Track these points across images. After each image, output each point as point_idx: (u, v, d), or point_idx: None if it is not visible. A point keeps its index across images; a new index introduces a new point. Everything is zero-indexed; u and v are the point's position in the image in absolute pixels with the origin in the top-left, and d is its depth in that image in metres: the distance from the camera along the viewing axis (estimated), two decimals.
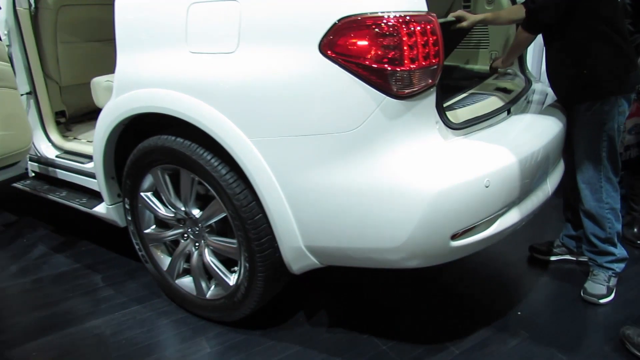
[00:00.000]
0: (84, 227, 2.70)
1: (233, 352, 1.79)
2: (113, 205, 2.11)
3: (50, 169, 2.49)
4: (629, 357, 1.70)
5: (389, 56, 1.33)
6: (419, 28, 1.33)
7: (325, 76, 1.38)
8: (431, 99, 1.43)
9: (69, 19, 2.59)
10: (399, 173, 1.39)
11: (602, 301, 1.97)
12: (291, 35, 1.42)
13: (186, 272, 1.99)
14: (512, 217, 1.59)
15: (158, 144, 1.78)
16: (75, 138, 2.61)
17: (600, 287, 1.99)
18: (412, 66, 1.34)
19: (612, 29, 1.75)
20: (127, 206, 2.00)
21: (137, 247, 2.06)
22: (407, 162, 1.39)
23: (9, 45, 2.37)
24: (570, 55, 1.82)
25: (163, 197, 1.91)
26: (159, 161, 1.82)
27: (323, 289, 2.16)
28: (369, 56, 1.34)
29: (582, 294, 2.01)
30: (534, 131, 1.79)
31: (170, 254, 2.02)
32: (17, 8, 2.35)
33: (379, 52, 1.33)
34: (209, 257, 1.85)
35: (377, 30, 1.32)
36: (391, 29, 1.31)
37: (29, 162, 2.57)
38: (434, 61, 1.36)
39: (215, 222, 1.80)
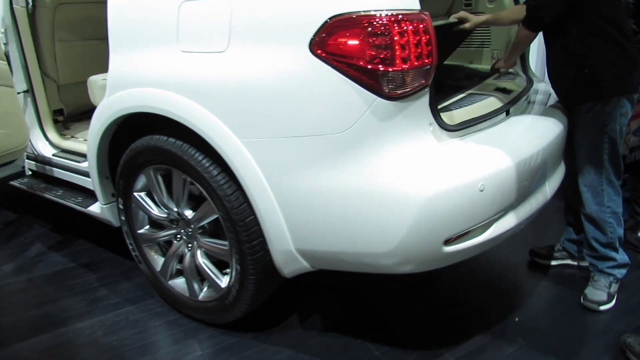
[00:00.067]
0: (81, 226, 2.70)
1: (224, 354, 1.77)
2: (107, 205, 2.09)
3: (47, 167, 2.48)
4: None
5: (381, 56, 1.29)
6: (411, 27, 1.29)
7: (316, 76, 1.35)
8: (424, 100, 1.39)
9: (67, 17, 2.57)
10: (390, 176, 1.35)
11: (602, 308, 1.92)
12: (281, 34, 1.39)
13: (179, 273, 1.97)
14: (508, 222, 1.55)
15: (150, 144, 1.76)
16: (72, 136, 2.60)
17: (600, 294, 1.94)
18: (404, 66, 1.30)
19: (614, 28, 1.71)
20: (120, 206, 1.99)
21: (130, 247, 2.05)
22: (398, 165, 1.36)
23: (6, 44, 2.36)
24: (571, 54, 1.77)
25: (156, 198, 1.89)
26: (151, 161, 1.80)
27: (316, 291, 2.13)
28: (359, 56, 1.30)
29: (582, 300, 1.97)
30: (533, 133, 1.75)
31: (163, 254, 2.01)
32: (14, 6, 2.34)
33: (370, 52, 1.29)
34: (201, 259, 1.83)
35: (368, 29, 1.29)
36: (382, 27, 1.28)
37: (26, 161, 2.57)
38: (426, 61, 1.33)
39: (207, 223, 1.78)
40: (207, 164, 1.62)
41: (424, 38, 1.31)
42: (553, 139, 1.76)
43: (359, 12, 1.31)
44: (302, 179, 1.44)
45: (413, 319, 1.95)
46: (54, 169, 2.44)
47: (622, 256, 1.98)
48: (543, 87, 2.21)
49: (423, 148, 1.40)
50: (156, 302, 2.07)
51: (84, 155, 2.31)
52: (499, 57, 2.31)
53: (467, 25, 2.00)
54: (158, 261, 2.01)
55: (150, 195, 1.92)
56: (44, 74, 2.54)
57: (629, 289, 2.04)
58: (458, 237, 1.42)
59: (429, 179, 1.35)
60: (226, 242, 1.69)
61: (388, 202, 1.35)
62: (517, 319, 1.90)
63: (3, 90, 2.15)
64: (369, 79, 1.31)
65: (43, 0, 2.45)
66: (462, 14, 2.01)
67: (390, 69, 1.30)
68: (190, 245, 1.87)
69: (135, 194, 1.92)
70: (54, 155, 2.46)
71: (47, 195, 2.42)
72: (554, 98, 2.06)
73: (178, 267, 1.96)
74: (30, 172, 2.58)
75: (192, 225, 1.82)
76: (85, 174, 2.22)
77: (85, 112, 2.84)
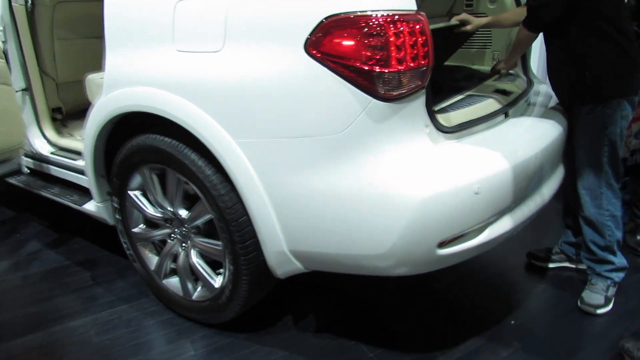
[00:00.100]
0: (78, 223, 2.69)
1: (217, 355, 1.76)
2: (102, 203, 2.09)
3: (44, 165, 2.48)
4: None
5: (376, 57, 1.28)
6: (407, 28, 1.28)
7: (311, 77, 1.34)
8: (420, 102, 1.38)
9: (66, 15, 2.56)
10: (385, 178, 1.34)
11: (599, 311, 1.91)
12: (277, 34, 1.38)
13: (174, 272, 1.97)
14: (504, 225, 1.53)
15: (145, 143, 1.75)
16: (70, 135, 2.60)
17: (598, 297, 1.92)
18: (399, 67, 1.29)
19: (615, 29, 1.69)
20: (115, 205, 1.98)
21: (125, 246, 2.04)
22: (393, 167, 1.35)
23: (4, 42, 2.35)
24: (571, 55, 1.75)
25: (150, 197, 1.88)
26: (146, 160, 1.79)
27: (311, 292, 2.12)
28: (355, 57, 1.29)
29: (579, 303, 1.95)
30: (532, 135, 1.73)
31: (158, 253, 2.00)
32: (13, 4, 2.33)
33: (366, 53, 1.28)
34: (195, 258, 1.82)
35: (364, 29, 1.28)
36: (378, 28, 1.26)
37: (24, 158, 2.57)
38: (422, 62, 1.31)
39: (202, 223, 1.77)
40: (202, 164, 1.61)
41: (420, 39, 1.30)
42: (552, 141, 1.74)
43: (355, 12, 1.30)
44: (296, 180, 1.43)
45: (408, 321, 1.93)
46: (51, 167, 2.44)
47: (620, 259, 1.96)
48: (544, 89, 2.19)
49: (418, 150, 1.38)
50: (150, 301, 2.06)
51: (81, 154, 2.31)
52: (500, 58, 2.30)
53: (468, 27, 2.00)
54: (152, 260, 2.00)
55: (145, 194, 1.91)
56: (42, 72, 2.53)
57: (627, 292, 2.02)
58: (452, 240, 1.41)
59: (423, 181, 1.34)
60: (220, 242, 1.68)
61: (382, 204, 1.33)
62: (513, 322, 1.89)
63: (1, 89, 2.14)
64: (364, 80, 1.30)
65: None
66: (464, 16, 2.01)
67: (386, 70, 1.29)
68: (184, 244, 1.86)
69: (130, 192, 1.91)
70: (51, 153, 2.45)
71: (43, 193, 2.41)
72: (554, 100, 2.05)
73: (172, 266, 1.95)
74: (27, 170, 2.58)
75: (187, 225, 1.81)
76: (82, 172, 2.22)
77: (83, 111, 2.80)
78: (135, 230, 1.99)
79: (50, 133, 2.53)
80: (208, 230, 1.79)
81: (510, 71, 2.19)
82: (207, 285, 1.81)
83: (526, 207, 1.64)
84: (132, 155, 1.82)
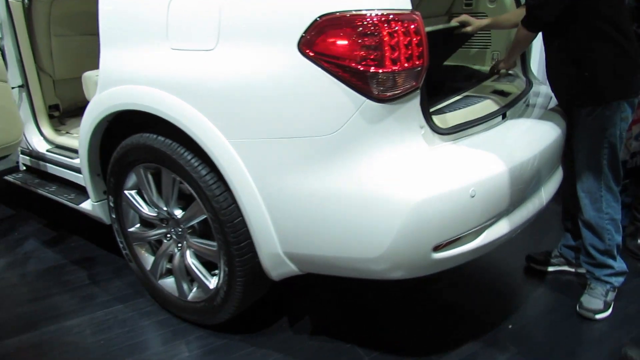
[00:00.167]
0: (76, 222, 2.68)
1: (212, 356, 1.75)
2: (98, 203, 2.08)
3: (41, 163, 2.47)
4: None
5: (370, 57, 1.26)
6: (401, 28, 1.26)
7: (303, 77, 1.32)
8: (415, 103, 1.35)
9: (63, 11, 2.55)
10: (378, 181, 1.32)
11: (598, 316, 1.88)
12: (270, 33, 1.36)
13: (169, 272, 1.95)
14: (501, 228, 1.51)
15: (140, 142, 1.74)
16: (67, 132, 2.59)
17: (597, 302, 1.90)
18: (393, 68, 1.27)
19: (614, 29, 1.66)
20: (111, 204, 1.97)
21: (121, 245, 2.03)
22: (387, 169, 1.33)
23: (1, 38, 2.35)
24: (571, 55, 1.73)
25: (146, 196, 1.87)
26: (141, 159, 1.78)
27: (308, 293, 2.10)
28: (348, 56, 1.27)
29: (577, 308, 1.92)
30: (530, 137, 1.71)
31: (154, 253, 1.99)
32: (10, 0, 2.33)
33: (359, 53, 1.26)
34: (190, 259, 1.81)
35: (358, 29, 1.26)
36: (372, 27, 1.25)
37: (21, 156, 2.56)
38: (417, 63, 1.29)
39: (197, 223, 1.75)
40: (196, 164, 1.59)
41: (414, 39, 1.28)
42: (550, 143, 1.71)
43: (350, 11, 1.28)
44: (289, 181, 1.41)
45: (404, 323, 1.92)
46: (48, 164, 2.43)
47: (619, 264, 1.94)
48: (544, 90, 2.16)
49: (413, 152, 1.36)
50: (146, 301, 2.05)
51: (77, 152, 2.30)
52: (499, 58, 2.27)
53: (469, 29, 1.99)
54: (148, 260, 1.99)
55: (140, 193, 1.90)
56: (39, 68, 2.53)
57: (626, 297, 1.99)
58: (448, 244, 1.39)
59: (417, 184, 1.32)
60: (214, 243, 1.67)
61: (376, 207, 1.32)
62: (510, 326, 1.87)
63: None
64: (358, 80, 1.28)
65: None
66: (464, 17, 1.99)
67: (380, 71, 1.27)
68: (180, 245, 1.84)
69: (125, 192, 1.90)
70: (48, 150, 2.45)
71: (40, 191, 2.41)
72: (554, 101, 2.02)
73: (168, 266, 1.94)
74: (24, 168, 2.57)
75: (182, 225, 1.80)
76: (78, 171, 2.21)
77: (81, 108, 2.79)
78: (131, 229, 1.98)
79: (47, 130, 2.53)
80: (203, 231, 1.78)
81: (510, 71, 2.17)
82: (202, 286, 1.80)
83: (524, 210, 1.62)
84: (127, 154, 1.80)
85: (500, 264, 2.28)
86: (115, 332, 1.88)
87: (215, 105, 1.47)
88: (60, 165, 2.36)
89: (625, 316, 1.91)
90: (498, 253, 2.10)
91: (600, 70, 1.70)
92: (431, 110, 1.50)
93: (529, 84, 2.10)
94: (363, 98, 1.29)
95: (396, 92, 1.29)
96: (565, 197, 2.07)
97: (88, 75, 2.00)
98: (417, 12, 1.29)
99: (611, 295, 1.92)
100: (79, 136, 1.95)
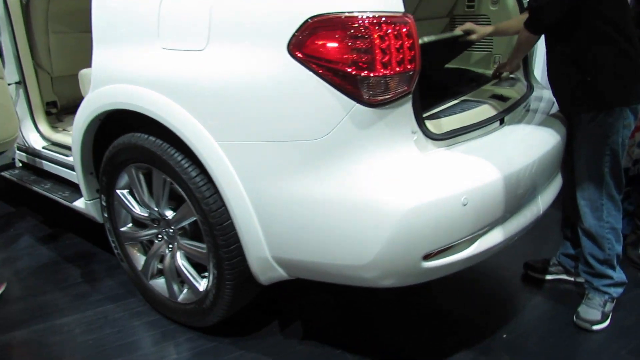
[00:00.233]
0: (72, 219, 2.67)
1: (201, 359, 1.73)
2: (91, 201, 2.07)
3: (37, 159, 2.47)
4: None
5: (361, 60, 1.23)
6: (393, 30, 1.22)
7: (292, 79, 1.29)
8: (407, 107, 1.32)
9: (61, 8, 2.54)
10: (368, 187, 1.29)
11: (595, 327, 1.84)
12: (260, 34, 1.34)
13: (161, 273, 1.94)
14: (494, 237, 1.47)
15: (131, 142, 1.72)
16: (64, 129, 2.58)
17: (594, 312, 1.85)
18: (385, 72, 1.24)
19: (618, 33, 1.62)
20: (103, 203, 1.96)
21: (113, 244, 2.02)
22: (377, 175, 1.30)
23: None
24: (573, 59, 1.69)
25: (137, 197, 1.85)
26: (132, 159, 1.76)
27: (299, 297, 2.08)
28: (338, 59, 1.24)
29: (575, 318, 1.88)
30: (527, 143, 1.67)
31: (145, 253, 1.97)
32: None
33: (350, 56, 1.23)
34: (180, 260, 1.79)
35: (348, 31, 1.23)
36: (363, 30, 1.21)
37: (17, 152, 2.56)
38: (409, 67, 1.26)
39: (188, 225, 1.74)
40: (186, 165, 1.57)
41: (406, 42, 1.24)
42: (549, 150, 1.67)
43: (342, 12, 1.25)
44: (278, 184, 1.38)
45: (397, 330, 1.88)
46: (44, 161, 2.43)
47: (619, 274, 1.89)
48: (546, 95, 2.11)
49: (404, 158, 1.33)
50: (137, 301, 2.04)
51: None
52: (501, 61, 2.23)
53: (473, 37, 1.96)
54: (140, 260, 1.97)
55: (132, 193, 1.88)
56: (37, 65, 2.52)
57: (625, 308, 1.95)
58: (439, 253, 1.36)
59: (408, 191, 1.29)
60: (204, 245, 1.65)
61: (365, 214, 1.29)
62: (505, 336, 1.83)
63: None
64: (348, 84, 1.25)
65: None
66: (468, 25, 1.96)
67: (371, 75, 1.23)
68: (170, 245, 1.83)
69: (117, 191, 1.89)
70: (44, 147, 2.44)
71: (35, 188, 2.40)
72: (556, 107, 1.97)
73: (159, 267, 1.92)
74: (20, 164, 2.57)
75: (173, 226, 1.78)
76: (73, 168, 2.20)
77: (79, 105, 2.82)
78: (123, 229, 1.96)
79: (44, 127, 2.52)
80: (194, 233, 1.76)
81: (512, 75, 2.12)
82: (192, 288, 1.78)
83: (519, 218, 1.58)
84: (118, 153, 1.79)
85: (497, 271, 2.24)
86: (105, 332, 1.87)
87: (205, 106, 1.45)
88: (56, 162, 2.35)
89: (622, 328, 1.87)
90: (495, 259, 2.05)
91: (604, 75, 1.66)
92: (426, 114, 1.46)
93: (530, 88, 2.06)
94: (353, 102, 1.26)
95: (387, 96, 1.26)
96: (565, 205, 2.03)
97: (84, 72, 1.99)
98: (409, 15, 1.25)
99: (609, 306, 1.88)
100: (72, 134, 1.94)
